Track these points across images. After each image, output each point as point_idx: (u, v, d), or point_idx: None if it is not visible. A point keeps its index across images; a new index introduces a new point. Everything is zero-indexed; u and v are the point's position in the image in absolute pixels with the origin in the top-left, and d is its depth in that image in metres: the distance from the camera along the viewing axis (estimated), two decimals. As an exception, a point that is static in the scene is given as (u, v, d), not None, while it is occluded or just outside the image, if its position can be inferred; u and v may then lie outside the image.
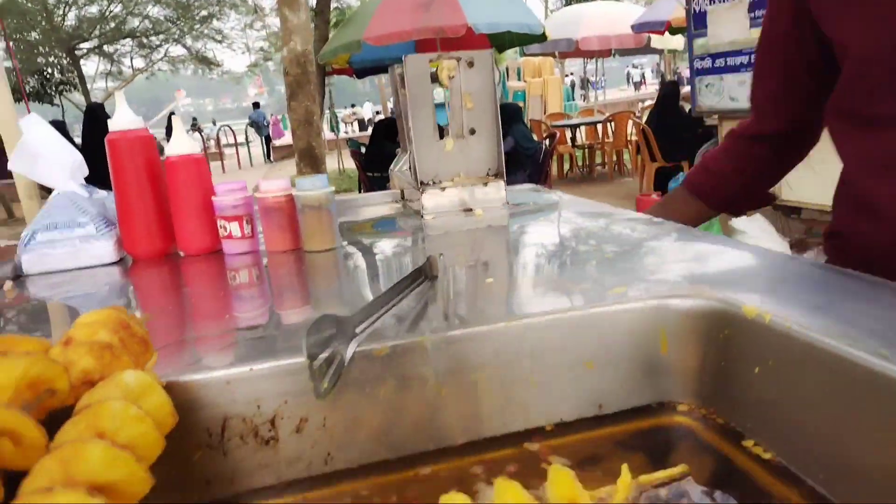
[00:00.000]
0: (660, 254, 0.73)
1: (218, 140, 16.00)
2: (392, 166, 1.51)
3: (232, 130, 16.24)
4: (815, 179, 3.29)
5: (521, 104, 11.19)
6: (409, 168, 1.29)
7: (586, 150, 8.07)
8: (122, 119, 0.94)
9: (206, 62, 21.12)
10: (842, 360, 0.43)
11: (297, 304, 0.73)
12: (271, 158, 15.82)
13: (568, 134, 8.04)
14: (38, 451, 0.32)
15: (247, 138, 16.25)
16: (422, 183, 1.15)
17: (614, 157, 7.68)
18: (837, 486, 0.43)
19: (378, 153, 5.98)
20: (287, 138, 16.01)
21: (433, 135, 1.15)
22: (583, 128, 8.40)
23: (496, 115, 1.16)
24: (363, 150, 6.82)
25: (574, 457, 0.53)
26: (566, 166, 8.19)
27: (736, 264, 0.66)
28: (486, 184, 1.15)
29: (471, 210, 1.15)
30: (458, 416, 0.55)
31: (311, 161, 4.22)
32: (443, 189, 1.15)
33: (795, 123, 0.94)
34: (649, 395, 0.58)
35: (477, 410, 0.56)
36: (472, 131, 1.15)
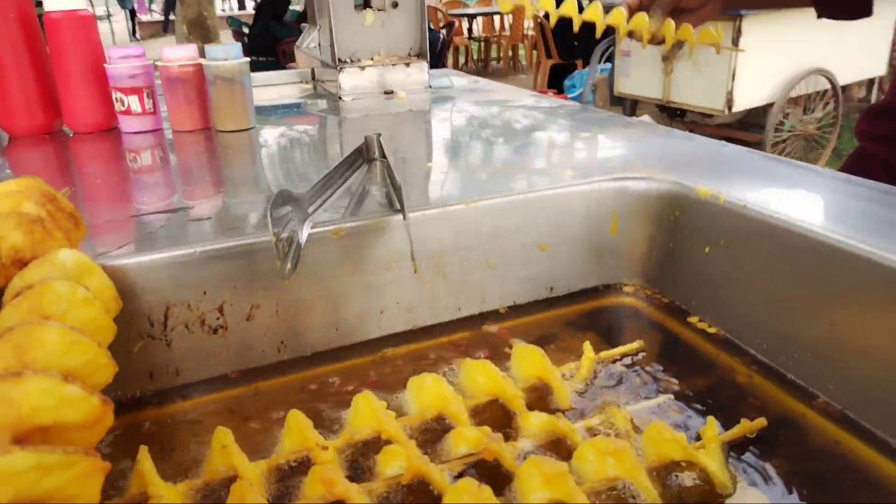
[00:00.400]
0: (599, 140, 0.73)
1: (72, 12, 14.04)
2: (298, 42, 1.40)
3: (90, 1, 14.34)
4: (701, 83, 3.46)
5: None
6: (319, 45, 1.20)
7: (482, 43, 7.91)
8: (-19, -37, 0.78)
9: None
10: (791, 234, 0.45)
11: (212, 188, 0.66)
12: (137, 36, 14.22)
13: (465, 24, 7.81)
14: (-16, 337, 0.27)
15: (108, 12, 14.42)
16: (339, 60, 1.07)
17: (510, 52, 7.60)
18: (781, 353, 0.47)
19: (263, 34, 5.52)
20: (155, 15, 14.41)
21: (352, 6, 1.05)
22: (479, 19, 8.18)
23: (421, -11, 1.09)
24: (245, 29, 6.27)
25: (528, 337, 0.54)
26: (461, 59, 8.01)
27: (669, 148, 0.67)
28: (408, 64, 1.09)
29: (391, 92, 1.09)
30: (416, 301, 0.54)
31: (202, 34, 3.78)
32: (362, 68, 1.07)
33: None
34: (597, 277, 0.59)
35: (434, 294, 0.54)
36: (395, 4, 1.07)
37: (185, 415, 0.46)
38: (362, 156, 0.65)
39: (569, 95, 4.57)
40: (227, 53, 0.82)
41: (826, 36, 3.43)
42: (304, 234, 0.47)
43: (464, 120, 0.91)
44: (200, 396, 0.48)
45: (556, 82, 5.39)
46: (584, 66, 4.97)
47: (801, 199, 0.51)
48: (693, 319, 0.54)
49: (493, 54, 8.11)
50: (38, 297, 0.31)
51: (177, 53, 0.83)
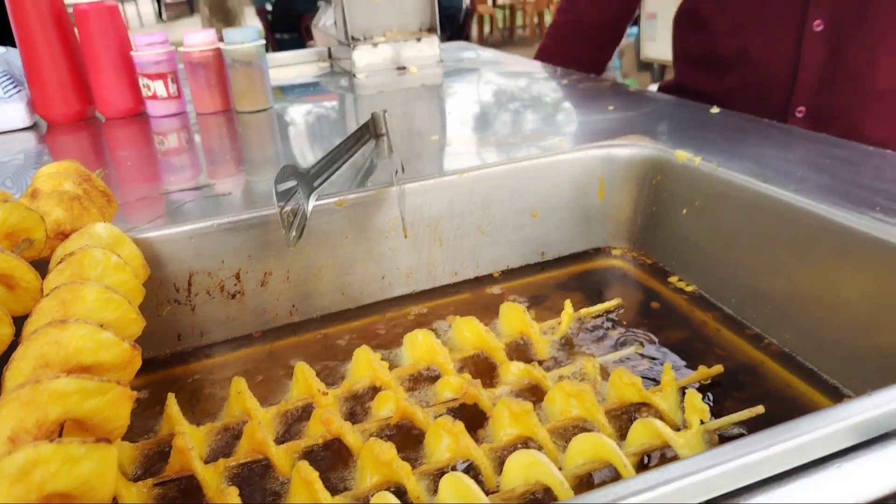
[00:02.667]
0: (593, 107, 0.76)
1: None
2: (315, 21, 1.44)
3: (116, -18, 14.44)
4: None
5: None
6: (336, 23, 1.24)
7: (507, 11, 7.81)
8: (15, -39, 0.84)
9: None
10: (760, 197, 0.49)
11: (234, 166, 0.72)
12: (164, 17, 14.35)
13: (489, -8, 7.72)
14: (34, 294, 0.33)
15: (135, -8, 14.53)
16: (353, 38, 1.11)
17: (535, 19, 7.50)
18: (746, 308, 0.51)
19: (287, 10, 5.56)
20: (182, -8, 14.48)
21: (363, -14, 1.09)
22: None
23: (429, -34, 1.11)
24: (269, 6, 6.31)
25: (520, 298, 0.58)
26: (486, 28, 7.93)
27: (662, 115, 0.70)
28: (419, 39, 1.13)
29: (404, 68, 1.13)
30: (414, 266, 0.59)
31: (224, 15, 3.82)
32: (375, 45, 1.11)
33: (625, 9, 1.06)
34: (585, 241, 0.64)
35: (431, 260, 0.59)
36: (405, -17, 1.10)
37: (209, 371, 0.52)
38: (369, 131, 0.70)
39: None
40: (243, 37, 0.87)
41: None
42: (310, 205, 0.52)
43: (470, 93, 0.95)
44: (222, 355, 0.54)
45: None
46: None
47: (772, 160, 0.54)
48: (673, 279, 0.58)
49: (519, 22, 8.00)
50: (78, 263, 0.36)
51: (197, 39, 0.88)
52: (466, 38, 5.33)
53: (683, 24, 0.94)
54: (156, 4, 14.49)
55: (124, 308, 0.35)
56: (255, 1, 6.98)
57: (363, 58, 1.11)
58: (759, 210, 0.49)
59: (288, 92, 1.06)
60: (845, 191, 0.47)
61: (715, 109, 0.72)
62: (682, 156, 0.56)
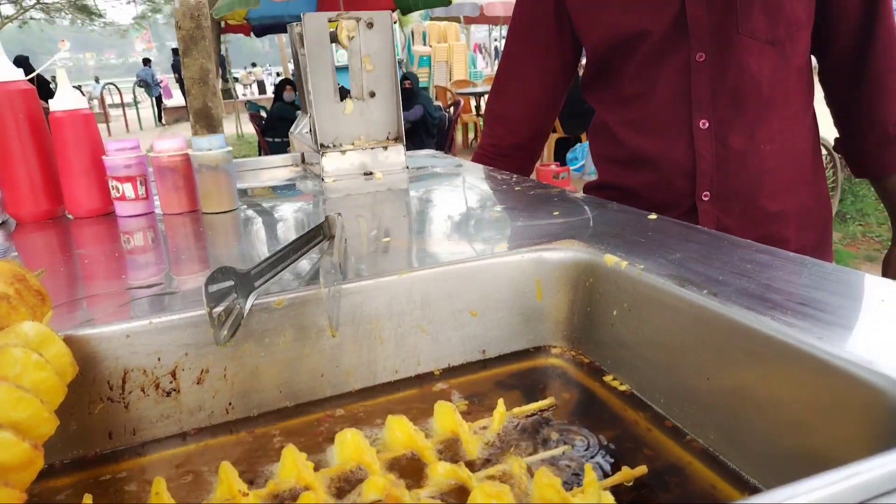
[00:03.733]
0: (540, 213, 0.79)
1: (102, 100, 14.34)
2: (292, 129, 1.51)
3: (118, 89, 15.06)
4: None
5: (427, 70, 11.13)
6: (310, 131, 1.30)
7: (489, 119, 8.17)
8: (-2, 72, 0.89)
9: (85, 11, 19.42)
10: (679, 300, 0.51)
11: (195, 264, 0.74)
12: (163, 121, 14.88)
13: (473, 102, 8.12)
14: (-59, 393, 0.33)
15: (135, 98, 15.07)
16: (322, 146, 1.17)
17: (516, 126, 7.83)
18: (674, 407, 0.51)
19: (279, 117, 5.81)
20: (179, 99, 15.08)
21: (333, 97, 1.16)
22: (487, 97, 8.50)
23: (396, 79, 1.19)
24: (263, 113, 6.59)
25: (459, 396, 0.59)
26: (471, 135, 8.29)
27: (602, 220, 0.74)
28: (386, 147, 1.18)
29: (371, 174, 1.18)
30: (355, 364, 0.60)
31: (207, 123, 4.04)
32: (343, 152, 1.17)
33: (540, 133, 1.18)
34: (526, 339, 0.65)
35: (372, 358, 0.60)
36: (373, 94, 1.17)
37: (138, 470, 0.51)
38: (323, 232, 0.72)
39: (571, 167, 4.71)
40: (210, 144, 0.91)
41: (818, 106, 3.53)
42: (248, 305, 0.53)
43: (432, 197, 0.99)
44: (155, 453, 0.53)
45: (560, 155, 5.55)
46: (587, 139, 5.13)
47: (697, 265, 0.57)
48: (608, 378, 0.59)
49: (502, 129, 8.34)
50: (-5, 361, 0.37)
51: (166, 145, 0.92)
52: (451, 143, 5.56)
53: (597, 134, 1.07)
54: (155, 109, 15.06)
55: (35, 407, 0.36)
56: (250, 107, 7.30)
57: (332, 163, 1.16)
58: (679, 312, 0.51)
59: (261, 193, 1.10)
60: (760, 294, 0.49)
61: (653, 216, 0.75)
62: (611, 259, 0.59)
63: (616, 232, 0.70)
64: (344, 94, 1.18)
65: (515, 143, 1.17)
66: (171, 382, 0.54)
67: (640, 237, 0.67)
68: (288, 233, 0.85)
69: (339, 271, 0.57)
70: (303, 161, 1.37)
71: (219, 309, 0.49)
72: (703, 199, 0.91)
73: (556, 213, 0.79)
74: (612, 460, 0.48)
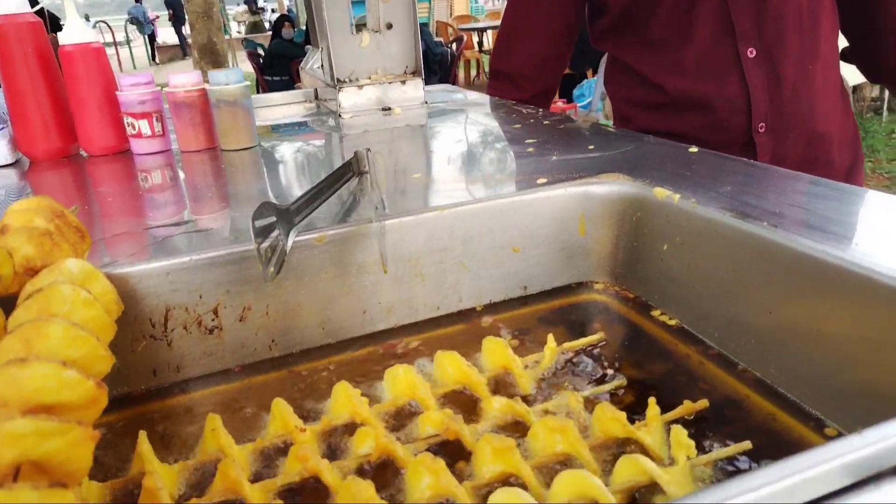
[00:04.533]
0: (574, 147, 0.77)
1: (93, 38, 14.08)
2: (302, 65, 1.46)
3: (109, 27, 14.62)
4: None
5: (426, 5, 10.80)
6: (322, 66, 1.25)
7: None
8: (2, 3, 0.85)
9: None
10: (738, 232, 0.49)
11: (217, 202, 0.71)
12: (156, 60, 14.52)
13: (475, 38, 7.91)
14: (-1, 330, 0.32)
15: (127, 37, 14.70)
16: (338, 81, 1.13)
17: (520, 63, 7.65)
18: (730, 341, 0.50)
19: (278, 54, 5.65)
20: (172, 36, 14.66)
21: (349, 29, 1.11)
22: (489, 32, 8.28)
23: (413, 9, 1.14)
24: (260, 51, 6.41)
25: (503, 332, 0.58)
26: (473, 72, 8.10)
27: (641, 154, 0.71)
28: (404, 82, 1.14)
29: (389, 109, 1.14)
30: (395, 301, 0.58)
31: (212, 59, 3.91)
32: (360, 87, 1.13)
33: (548, 90, 1.14)
34: (568, 275, 0.63)
35: (412, 295, 0.59)
36: (389, 26, 1.12)
37: (184, 407, 0.51)
38: (353, 169, 0.70)
39: (578, 105, 4.61)
40: (228, 78, 0.88)
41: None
42: (290, 241, 0.52)
43: (454, 133, 0.96)
44: (199, 390, 0.53)
45: (566, 92, 5.43)
46: (594, 75, 5.01)
47: (749, 197, 0.55)
48: (656, 313, 0.57)
49: (505, 66, 8.15)
50: (45, 299, 0.36)
51: (182, 80, 0.89)
52: (454, 80, 5.43)
53: (620, 79, 1.02)
54: (149, 47, 14.66)
55: (92, 345, 0.34)
56: (247, 45, 7.10)
57: (348, 99, 1.12)
58: (738, 246, 0.49)
59: (275, 131, 1.07)
60: (820, 226, 0.48)
61: (693, 149, 0.73)
62: (661, 193, 0.57)
63: (657, 165, 0.68)
64: (359, 27, 1.13)
65: (523, 99, 1.13)
66: (213, 320, 0.53)
67: (684, 170, 0.64)
68: (310, 169, 0.82)
69: (384, 206, 0.55)
70: (316, 97, 1.33)
71: (265, 244, 0.47)
72: (759, 130, 0.88)
73: (591, 147, 0.77)
74: (668, 395, 0.47)
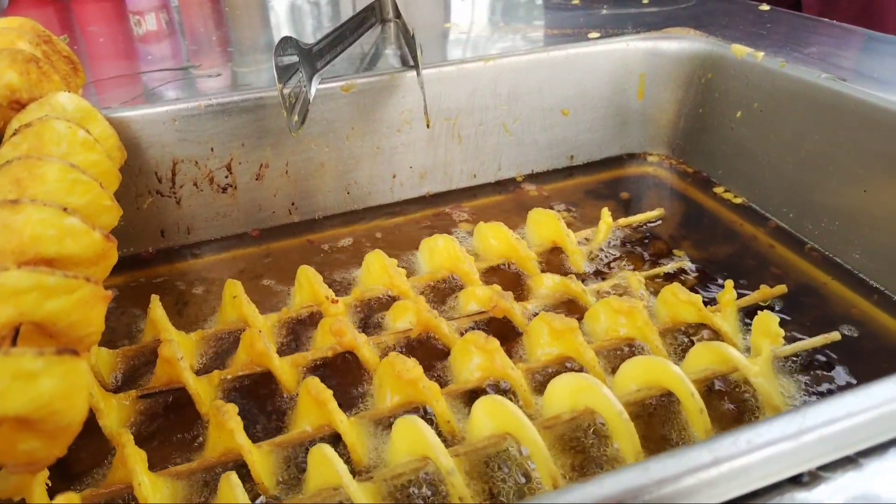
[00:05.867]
0: (627, 1, 0.67)
1: None
2: None
3: None
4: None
5: None
6: None
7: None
8: None
9: None
10: (835, 96, 0.42)
11: (222, 50, 0.63)
12: None
13: None
14: (-22, 168, 0.26)
15: None
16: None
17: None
18: (807, 222, 0.45)
19: None
20: None
21: None
22: None
23: None
24: None
25: (545, 205, 0.52)
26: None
27: (705, 11, 0.63)
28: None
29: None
30: (429, 166, 0.52)
31: None
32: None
33: None
34: (620, 145, 0.57)
35: (449, 159, 0.53)
36: None
37: (197, 272, 0.46)
38: (374, 15, 0.61)
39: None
40: None
41: None
42: (313, 88, 0.45)
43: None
44: (212, 255, 0.48)
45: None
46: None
47: (840, 59, 0.47)
48: (719, 189, 0.52)
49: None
50: (37, 136, 0.30)
51: None
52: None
53: None
54: None
55: (95, 192, 0.29)
56: None
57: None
58: (835, 112, 0.42)
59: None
60: (936, 92, 0.41)
61: (765, 6, 0.64)
62: (741, 50, 0.49)
63: (726, 23, 0.59)
64: None
65: None
66: (226, 177, 0.47)
67: (758, 29, 0.56)
68: (322, 17, 0.73)
69: (421, 51, 0.48)
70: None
71: (288, 90, 0.40)
72: None
73: (646, 0, 0.67)
74: (735, 279, 0.43)
